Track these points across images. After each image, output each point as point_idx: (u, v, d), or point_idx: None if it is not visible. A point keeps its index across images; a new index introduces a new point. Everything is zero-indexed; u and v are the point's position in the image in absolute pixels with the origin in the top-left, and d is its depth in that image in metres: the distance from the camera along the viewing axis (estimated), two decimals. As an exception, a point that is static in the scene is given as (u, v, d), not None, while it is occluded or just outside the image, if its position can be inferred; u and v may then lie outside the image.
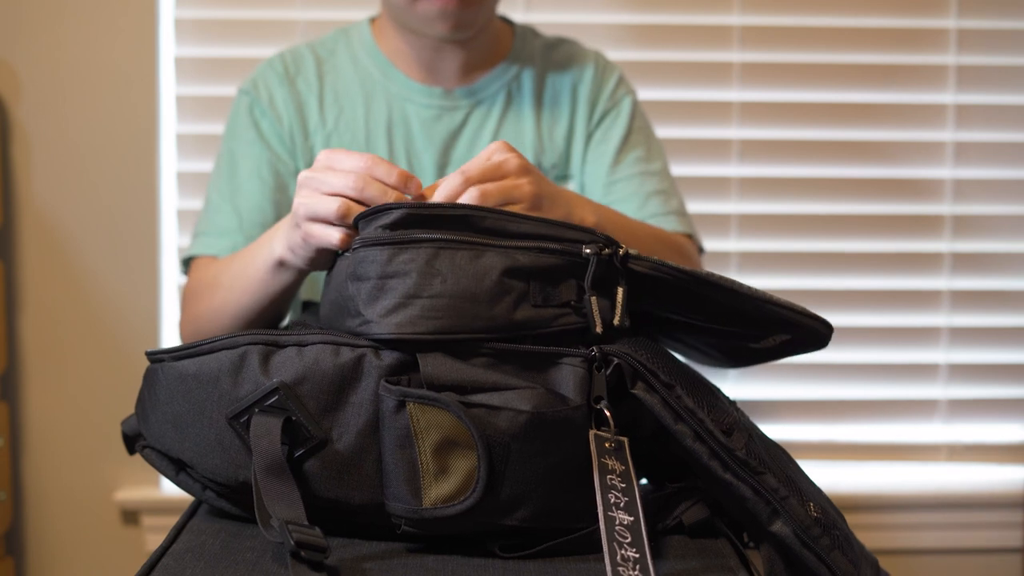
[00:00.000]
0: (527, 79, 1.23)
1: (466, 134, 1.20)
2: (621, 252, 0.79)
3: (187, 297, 1.14)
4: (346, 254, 0.80)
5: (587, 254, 0.77)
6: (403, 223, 0.76)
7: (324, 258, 0.88)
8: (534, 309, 0.77)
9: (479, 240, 0.76)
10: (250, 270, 0.98)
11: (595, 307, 0.77)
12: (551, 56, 1.27)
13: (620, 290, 0.79)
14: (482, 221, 0.77)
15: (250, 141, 1.21)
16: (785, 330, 0.88)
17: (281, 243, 0.92)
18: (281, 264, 0.93)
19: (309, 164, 1.23)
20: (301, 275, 0.95)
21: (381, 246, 0.76)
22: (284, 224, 0.93)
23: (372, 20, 1.29)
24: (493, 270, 0.76)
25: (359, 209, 0.82)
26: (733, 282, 0.83)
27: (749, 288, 0.83)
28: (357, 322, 0.77)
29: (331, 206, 0.83)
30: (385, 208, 0.77)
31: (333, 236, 0.84)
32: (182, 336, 1.14)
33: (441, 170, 1.20)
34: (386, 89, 1.23)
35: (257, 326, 1.03)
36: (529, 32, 1.32)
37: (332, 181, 0.84)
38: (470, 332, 0.75)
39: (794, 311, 0.86)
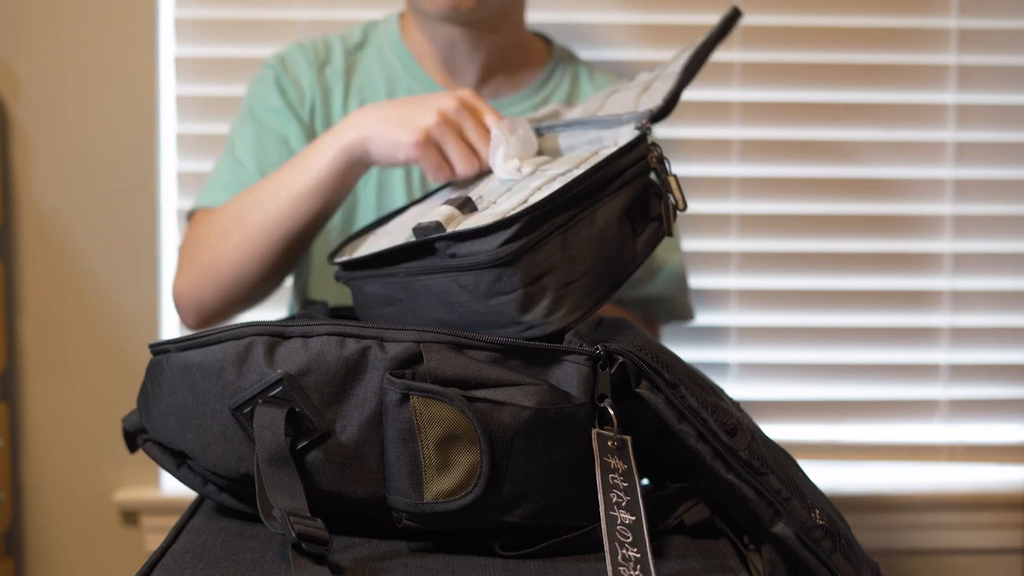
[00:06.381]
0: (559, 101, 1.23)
1: None
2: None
3: (190, 246, 1.10)
4: (455, 275, 0.79)
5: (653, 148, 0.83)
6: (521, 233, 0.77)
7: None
8: (643, 234, 0.84)
9: (582, 209, 0.79)
10: (290, 188, 1.01)
11: (676, 186, 0.84)
12: (590, 82, 1.27)
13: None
14: (569, 192, 0.79)
15: (276, 109, 1.20)
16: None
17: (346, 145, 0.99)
18: (341, 168, 0.99)
19: None
20: (344, 192, 1.01)
21: (512, 263, 0.76)
22: (331, 137, 1.00)
23: (401, 15, 1.28)
24: (610, 225, 0.81)
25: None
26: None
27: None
28: (517, 329, 0.78)
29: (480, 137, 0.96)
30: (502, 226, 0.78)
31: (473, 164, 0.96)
32: (180, 295, 1.10)
33: None
34: (409, 87, 1.23)
35: (286, 263, 1.06)
36: (566, 53, 1.31)
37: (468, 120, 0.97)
38: (620, 282, 0.82)
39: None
